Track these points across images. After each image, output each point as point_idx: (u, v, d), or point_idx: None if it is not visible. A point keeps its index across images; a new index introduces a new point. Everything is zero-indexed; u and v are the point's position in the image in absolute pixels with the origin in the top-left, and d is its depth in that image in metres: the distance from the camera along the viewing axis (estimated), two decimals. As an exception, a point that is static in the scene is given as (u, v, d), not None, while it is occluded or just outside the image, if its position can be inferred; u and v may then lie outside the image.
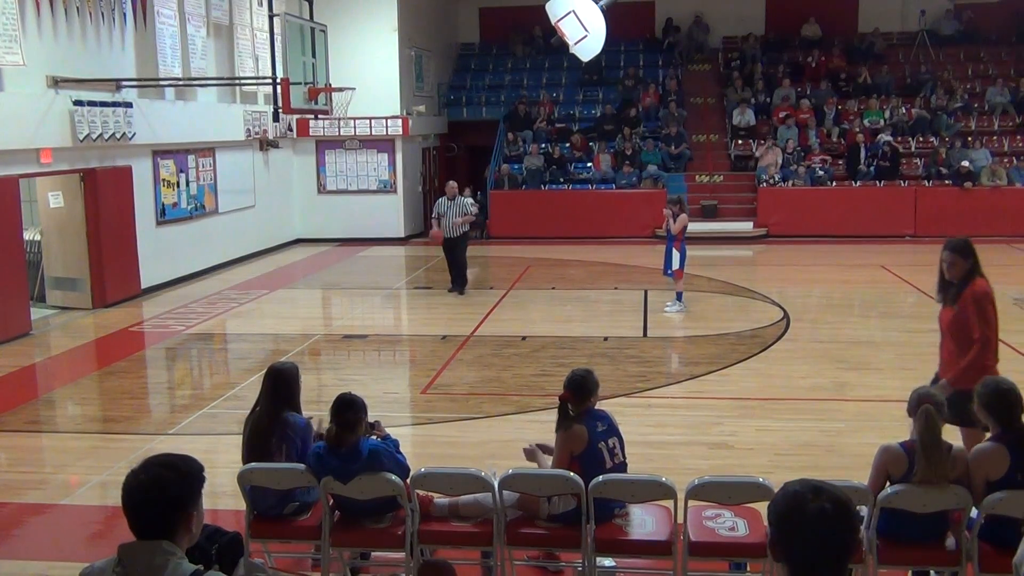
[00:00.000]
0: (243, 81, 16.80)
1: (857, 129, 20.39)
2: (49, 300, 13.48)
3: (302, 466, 4.81)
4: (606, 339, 11.01)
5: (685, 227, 12.09)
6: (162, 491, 2.49)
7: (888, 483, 4.46)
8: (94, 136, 12.59)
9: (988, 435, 4.54)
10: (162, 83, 14.57)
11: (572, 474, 4.63)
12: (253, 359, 10.63)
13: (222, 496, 5.98)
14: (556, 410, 5.02)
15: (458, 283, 14.13)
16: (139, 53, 14.06)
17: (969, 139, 20.26)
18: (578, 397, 4.94)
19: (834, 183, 19.89)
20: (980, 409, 4.49)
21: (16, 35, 11.16)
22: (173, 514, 2.51)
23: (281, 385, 5.15)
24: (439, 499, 4.97)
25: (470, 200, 14.56)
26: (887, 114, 21.25)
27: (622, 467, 4.94)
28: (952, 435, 4.60)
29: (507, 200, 20.38)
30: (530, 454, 5.19)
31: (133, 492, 2.51)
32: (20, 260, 11.83)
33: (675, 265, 12.09)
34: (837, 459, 6.84)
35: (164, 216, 15.00)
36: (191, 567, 2.47)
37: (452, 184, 14.29)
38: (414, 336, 12.14)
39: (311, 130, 20.13)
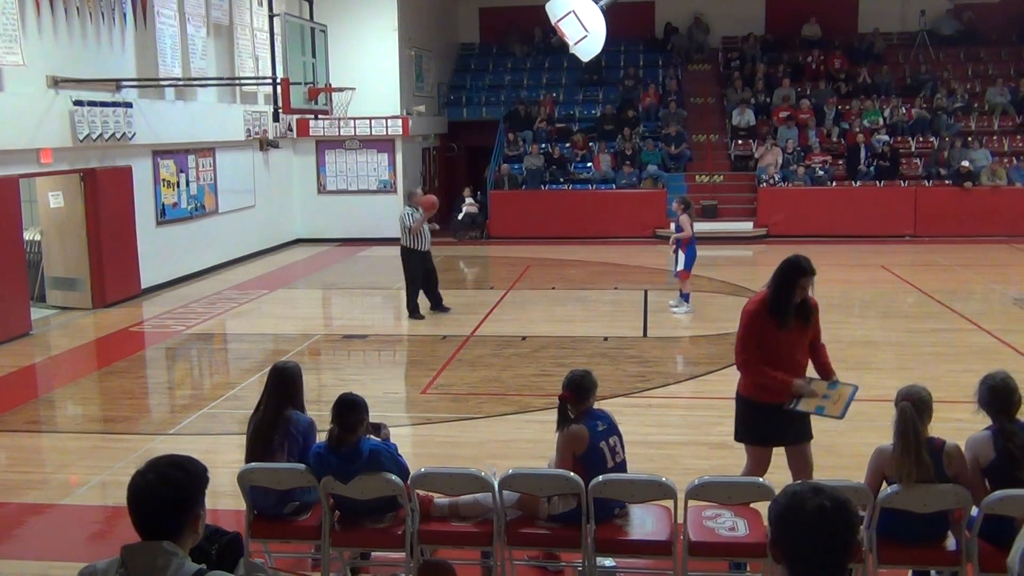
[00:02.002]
0: (243, 81, 16.80)
1: (857, 129, 20.39)
2: (49, 300, 13.48)
3: (302, 466, 4.82)
4: (606, 339, 11.01)
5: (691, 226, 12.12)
6: (172, 491, 2.50)
7: (885, 483, 4.48)
8: (94, 136, 12.59)
9: None
10: (162, 83, 14.58)
11: (572, 474, 4.63)
12: (253, 359, 10.63)
13: (222, 496, 5.98)
14: (556, 410, 5.03)
15: (438, 300, 12.62)
16: (139, 53, 14.07)
17: (969, 139, 20.26)
18: (578, 397, 4.95)
19: (834, 183, 19.89)
20: (981, 404, 4.65)
21: (16, 35, 11.16)
22: (181, 514, 2.51)
23: (284, 384, 5.18)
24: (439, 499, 4.97)
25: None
26: (887, 114, 21.26)
27: (623, 465, 4.95)
28: (950, 434, 4.60)
29: (507, 200, 20.37)
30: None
31: (141, 493, 2.51)
32: (20, 260, 11.83)
33: (680, 266, 12.11)
34: (837, 459, 6.83)
35: (164, 216, 15.01)
36: (194, 567, 2.47)
37: (421, 193, 12.96)
38: (414, 336, 12.14)
39: (311, 130, 20.14)
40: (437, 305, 12.57)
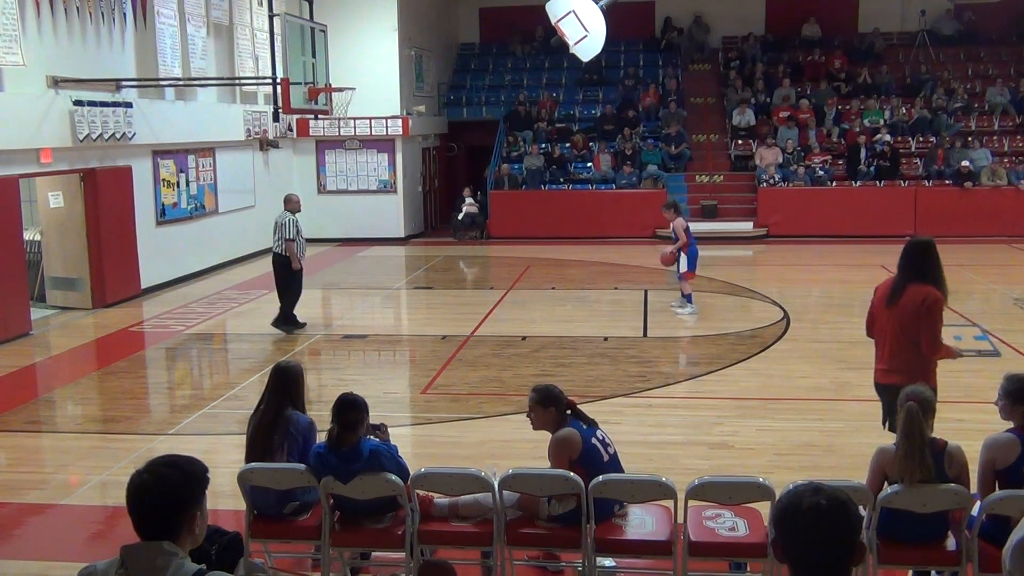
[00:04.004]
0: (243, 81, 16.81)
1: (857, 129, 20.39)
2: (49, 300, 13.48)
3: (302, 466, 4.82)
4: (606, 339, 11.01)
5: (686, 229, 12.11)
6: (166, 491, 2.50)
7: (886, 484, 4.47)
8: (94, 136, 12.59)
9: None
10: (162, 83, 14.58)
11: (572, 474, 4.63)
12: (253, 359, 10.63)
13: (222, 496, 5.98)
14: (577, 418, 5.07)
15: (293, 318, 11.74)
16: (139, 53, 14.07)
17: (969, 139, 20.26)
18: (560, 404, 4.97)
19: (834, 183, 19.89)
20: (1008, 403, 4.57)
21: (16, 35, 11.16)
22: (176, 514, 2.51)
23: (286, 383, 5.20)
24: (439, 499, 4.97)
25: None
26: (887, 114, 21.25)
27: (616, 457, 4.98)
28: (950, 434, 4.60)
29: (507, 200, 20.37)
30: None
31: (137, 492, 2.51)
32: (20, 260, 11.83)
33: (683, 267, 12.11)
34: (837, 459, 6.84)
35: (164, 216, 15.01)
36: (194, 567, 2.47)
37: (297, 197, 11.91)
38: (414, 336, 12.14)
39: (311, 130, 20.14)
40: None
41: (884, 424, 5.78)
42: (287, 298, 11.58)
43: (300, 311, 11.73)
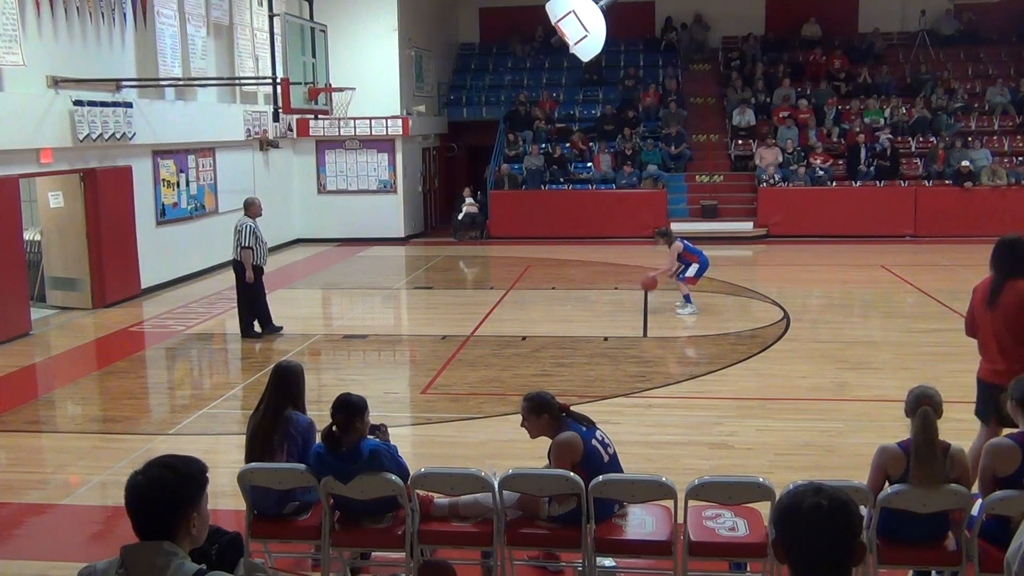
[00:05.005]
0: (243, 81, 16.81)
1: (857, 129, 20.39)
2: (49, 300, 13.48)
3: (302, 466, 4.82)
4: (606, 339, 11.01)
5: (680, 253, 12.17)
6: (158, 492, 2.50)
7: (887, 483, 4.47)
8: (94, 136, 12.59)
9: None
10: (162, 83, 14.58)
11: (572, 474, 4.63)
12: (253, 359, 10.63)
13: (222, 496, 5.97)
14: (565, 423, 5.05)
15: (271, 322, 11.51)
16: (139, 53, 14.07)
17: (969, 139, 20.26)
18: (552, 408, 4.97)
19: (834, 183, 19.89)
20: (1015, 406, 4.53)
21: (16, 35, 11.16)
22: (171, 515, 2.51)
23: (286, 383, 5.20)
24: (439, 499, 4.97)
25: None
26: (887, 114, 21.26)
27: (616, 458, 4.99)
28: (950, 435, 4.60)
29: (507, 200, 20.37)
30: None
31: (132, 493, 2.53)
32: (20, 260, 11.83)
33: (689, 273, 12.15)
34: (837, 459, 6.84)
35: (164, 216, 15.00)
36: (194, 567, 2.47)
37: (259, 202, 11.73)
38: (414, 336, 12.14)
39: (311, 130, 20.14)
40: (268, 324, 11.46)
41: (986, 418, 5.74)
42: (243, 307, 11.32)
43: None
